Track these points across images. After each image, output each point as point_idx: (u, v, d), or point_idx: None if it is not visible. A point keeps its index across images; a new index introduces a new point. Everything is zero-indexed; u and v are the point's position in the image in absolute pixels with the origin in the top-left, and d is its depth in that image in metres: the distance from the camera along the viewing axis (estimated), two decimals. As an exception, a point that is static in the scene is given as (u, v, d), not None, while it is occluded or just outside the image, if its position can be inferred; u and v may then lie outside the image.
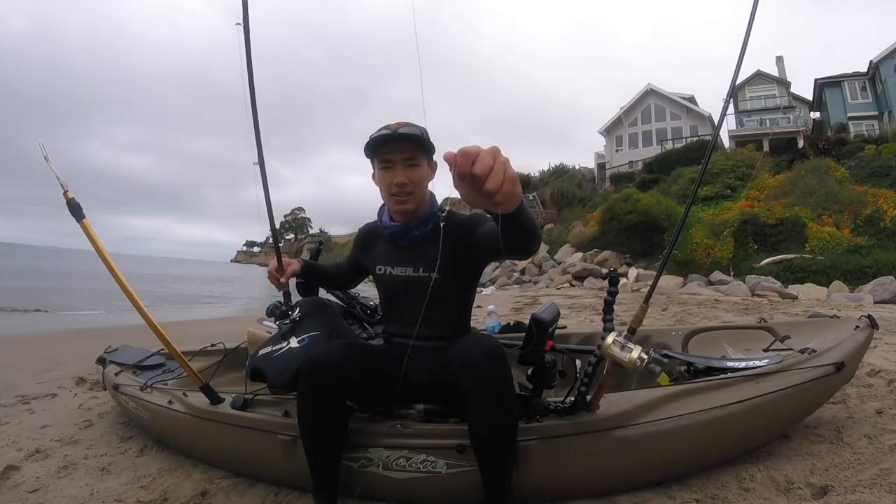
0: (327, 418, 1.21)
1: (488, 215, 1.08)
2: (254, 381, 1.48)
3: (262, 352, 1.50)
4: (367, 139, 1.33)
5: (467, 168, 0.66)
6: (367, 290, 2.16)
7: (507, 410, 1.11)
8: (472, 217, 1.39)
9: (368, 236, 1.51)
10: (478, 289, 1.50)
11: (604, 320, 1.18)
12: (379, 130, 1.32)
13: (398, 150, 1.31)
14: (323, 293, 1.83)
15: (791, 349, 1.59)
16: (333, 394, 1.19)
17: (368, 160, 1.38)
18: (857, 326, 1.55)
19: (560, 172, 30.73)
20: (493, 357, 1.09)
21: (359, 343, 1.64)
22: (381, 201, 1.43)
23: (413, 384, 1.34)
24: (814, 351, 1.45)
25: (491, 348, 1.11)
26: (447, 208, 1.44)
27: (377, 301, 1.90)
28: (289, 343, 1.47)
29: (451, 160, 0.67)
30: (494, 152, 0.68)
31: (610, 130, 27.10)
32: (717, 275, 11.21)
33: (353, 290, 2.04)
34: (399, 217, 1.37)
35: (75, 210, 1.48)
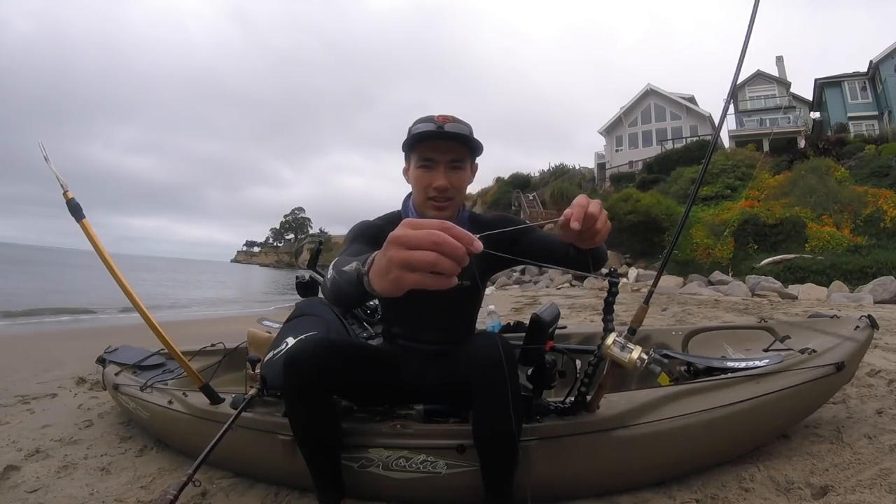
0: (313, 413, 1.18)
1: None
2: (270, 394, 1.45)
3: (266, 358, 1.51)
4: (408, 132, 1.18)
5: (595, 221, 0.89)
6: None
7: (514, 410, 1.10)
8: (508, 220, 1.33)
9: (381, 235, 1.38)
10: None
11: (604, 320, 1.18)
12: (420, 121, 1.18)
13: (444, 149, 1.15)
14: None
15: (791, 349, 1.59)
16: (315, 387, 1.16)
17: (403, 153, 1.23)
18: (857, 326, 1.55)
19: (560, 172, 30.73)
20: (503, 356, 1.08)
21: (346, 339, 1.61)
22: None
23: (415, 385, 1.33)
24: (814, 351, 1.44)
25: (501, 347, 1.10)
26: (471, 209, 1.34)
27: (377, 301, 1.89)
28: (287, 344, 1.47)
29: (584, 205, 0.88)
30: (602, 206, 0.89)
31: (610, 130, 27.10)
32: (717, 275, 11.20)
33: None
34: None
35: (75, 210, 1.48)
